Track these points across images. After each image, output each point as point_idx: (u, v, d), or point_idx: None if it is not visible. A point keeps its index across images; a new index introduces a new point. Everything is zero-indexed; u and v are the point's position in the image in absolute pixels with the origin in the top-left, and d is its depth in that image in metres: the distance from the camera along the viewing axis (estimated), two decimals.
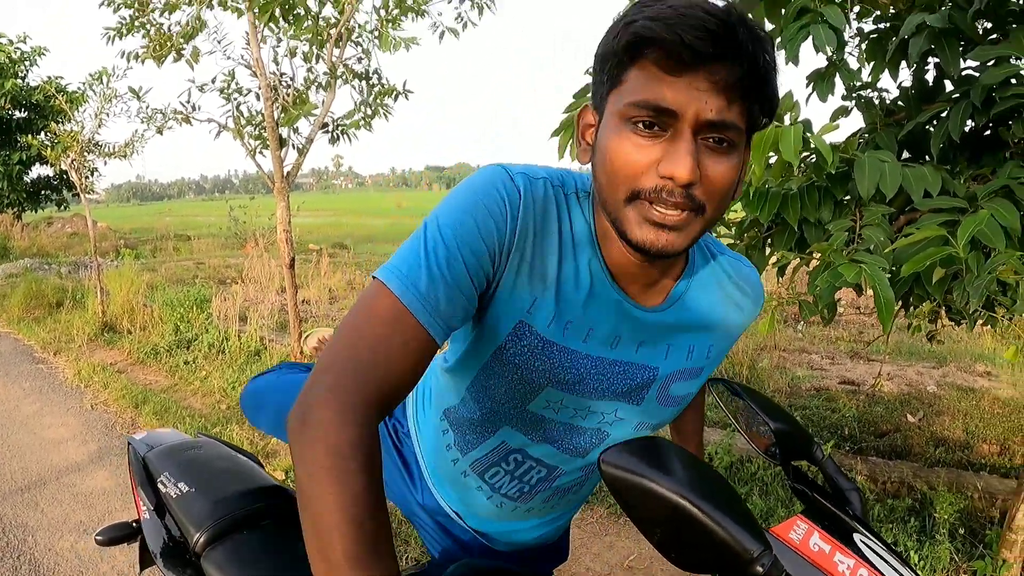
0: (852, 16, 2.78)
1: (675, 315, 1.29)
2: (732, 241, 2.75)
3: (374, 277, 1.10)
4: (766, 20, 2.78)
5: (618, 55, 1.03)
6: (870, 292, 1.98)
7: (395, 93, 6.35)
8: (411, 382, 1.07)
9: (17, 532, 4.46)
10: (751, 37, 0.99)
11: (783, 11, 2.61)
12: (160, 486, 2.24)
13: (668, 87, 0.99)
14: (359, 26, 6.21)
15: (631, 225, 1.07)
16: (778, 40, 2.68)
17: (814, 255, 2.33)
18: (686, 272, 1.29)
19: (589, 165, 1.16)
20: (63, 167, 11.33)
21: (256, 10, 5.74)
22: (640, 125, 1.02)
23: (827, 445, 4.49)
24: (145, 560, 2.30)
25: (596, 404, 1.32)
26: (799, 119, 2.42)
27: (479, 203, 1.11)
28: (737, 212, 2.64)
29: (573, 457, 1.41)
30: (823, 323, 2.57)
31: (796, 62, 2.48)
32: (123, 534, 2.48)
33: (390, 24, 6.01)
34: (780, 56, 2.55)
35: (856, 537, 1.28)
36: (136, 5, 6.51)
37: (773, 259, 2.77)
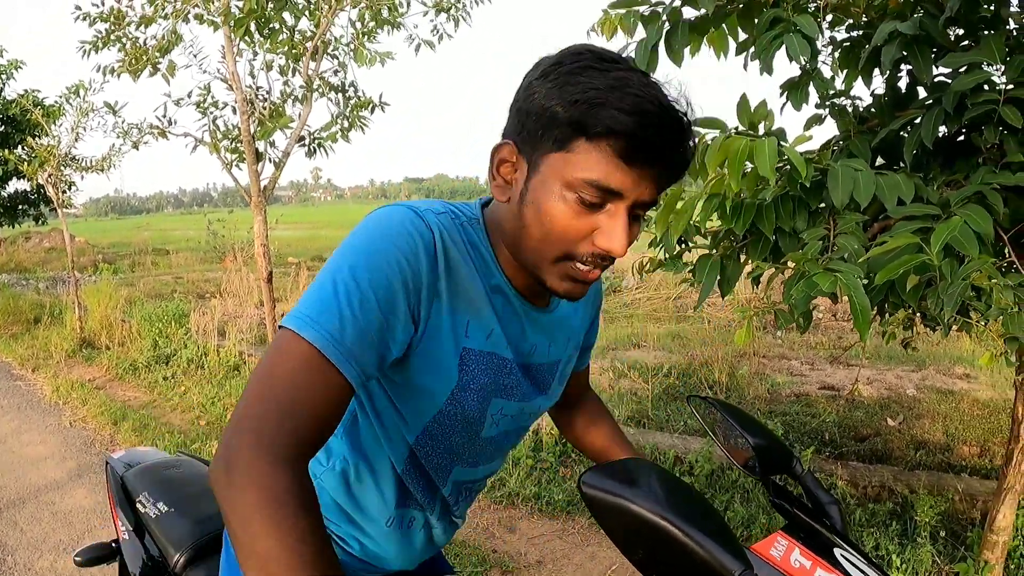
0: (824, 25, 2.80)
1: (561, 309, 1.42)
2: (707, 251, 2.76)
3: (282, 326, 1.09)
4: (739, 29, 2.79)
5: (574, 126, 1.07)
6: (846, 299, 2.00)
7: (371, 105, 6.33)
8: (330, 428, 1.07)
9: None
10: (689, 140, 1.11)
11: (756, 21, 2.63)
12: (139, 506, 2.23)
13: (622, 173, 1.07)
14: (335, 39, 6.20)
15: (553, 278, 1.18)
16: (751, 50, 2.70)
17: (789, 264, 2.34)
18: None
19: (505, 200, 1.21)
20: (40, 181, 11.25)
21: (232, 24, 5.72)
22: (585, 197, 1.09)
23: (808, 451, 4.52)
24: None
25: (527, 406, 1.42)
26: (773, 128, 2.43)
27: (391, 245, 1.13)
28: (712, 222, 2.65)
29: (496, 460, 1.54)
30: (799, 331, 2.59)
31: (770, 72, 2.50)
32: (102, 554, 2.46)
33: (366, 37, 6.00)
34: (755, 66, 2.57)
35: (837, 552, 1.29)
36: (112, 19, 6.48)
37: (747, 269, 2.78)
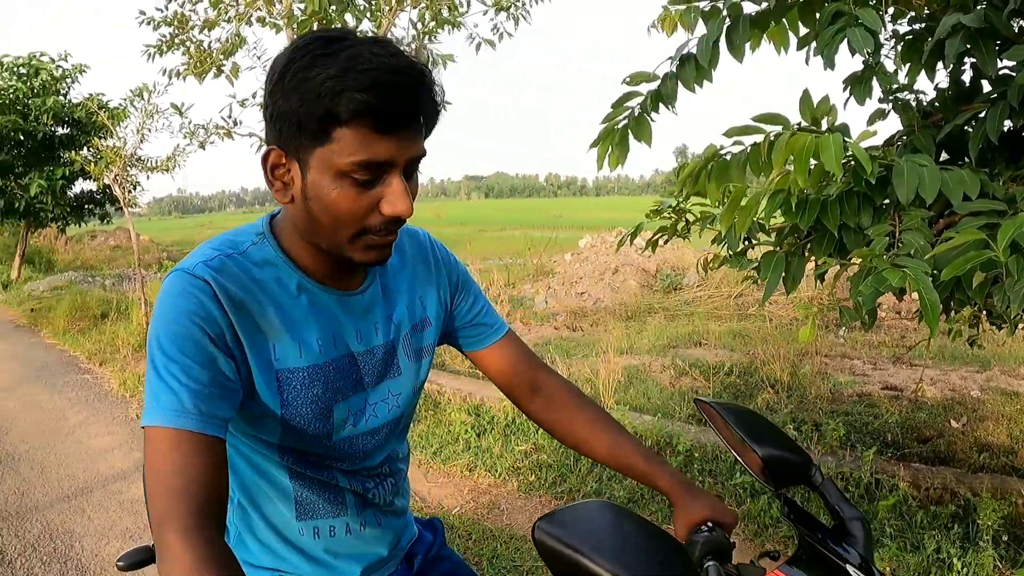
0: (887, 18, 2.78)
1: (380, 287, 1.47)
2: (771, 248, 2.74)
3: (143, 428, 1.17)
4: (800, 24, 2.78)
5: (324, 119, 1.13)
6: (911, 297, 1.98)
7: None
8: (224, 484, 1.17)
9: (64, 538, 4.55)
10: (432, 84, 1.18)
11: (817, 15, 2.61)
12: None
13: (382, 145, 1.14)
14: (396, 40, 6.26)
15: (357, 254, 1.26)
16: (813, 45, 2.69)
17: (853, 261, 2.32)
18: None
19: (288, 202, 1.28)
20: (107, 181, 11.48)
21: (295, 26, 5.80)
22: (358, 178, 1.16)
23: (870, 452, 4.46)
24: None
25: (376, 393, 1.46)
26: (836, 123, 2.41)
27: (179, 311, 1.20)
28: (776, 219, 2.63)
29: (391, 441, 1.57)
30: (864, 328, 2.56)
31: (832, 67, 2.48)
32: (144, 558, 2.53)
33: (427, 37, 6.05)
34: (816, 61, 2.55)
35: (852, 573, 1.23)
36: (176, 23, 6.61)
37: (810, 265, 2.76)
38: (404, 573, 1.66)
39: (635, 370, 7.15)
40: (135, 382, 8.21)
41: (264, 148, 1.26)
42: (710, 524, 1.37)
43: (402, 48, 1.18)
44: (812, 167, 2.18)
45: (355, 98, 1.09)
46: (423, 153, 1.21)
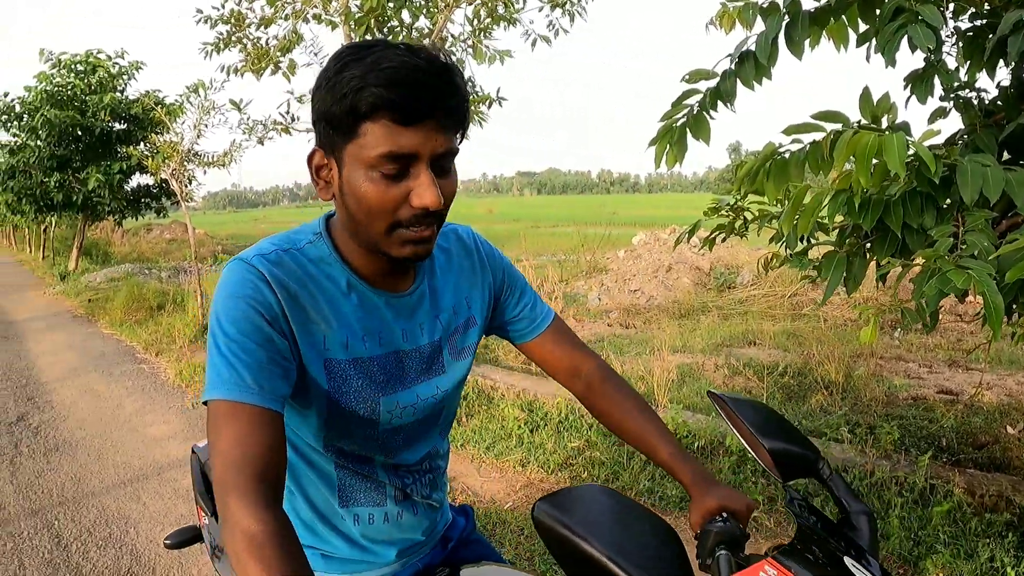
0: (948, 14, 2.74)
1: (428, 288, 1.51)
2: (831, 248, 2.71)
3: (204, 403, 1.24)
4: (860, 21, 2.75)
5: (351, 115, 1.20)
6: (972, 299, 1.95)
7: (489, 101, 6.40)
8: (283, 457, 1.22)
9: (120, 524, 4.65)
10: (455, 78, 1.23)
11: (878, 11, 2.59)
12: None
13: (406, 137, 1.19)
14: (452, 37, 6.28)
15: (393, 248, 1.29)
16: (873, 42, 2.65)
17: (915, 262, 2.29)
18: None
19: (332, 200, 1.34)
20: (164, 176, 11.66)
21: (352, 23, 5.85)
22: (386, 171, 1.21)
23: (924, 457, 4.39)
24: (213, 558, 2.40)
25: (421, 390, 1.51)
26: (896, 121, 2.39)
27: (237, 296, 1.27)
28: (841, 218, 2.61)
29: (433, 438, 1.63)
30: (925, 331, 2.52)
31: (893, 64, 2.45)
32: (189, 537, 2.61)
33: (482, 34, 6.07)
34: (876, 59, 2.53)
35: (848, 564, 1.23)
36: (233, 21, 6.70)
37: (871, 266, 2.73)
38: (438, 555, 1.74)
39: (688, 369, 7.12)
40: (191, 372, 8.35)
41: (310, 152, 1.33)
42: (724, 514, 1.39)
43: (435, 52, 1.23)
44: (874, 167, 2.16)
45: (375, 93, 1.15)
46: (453, 149, 1.26)
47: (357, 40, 6.25)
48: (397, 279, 1.44)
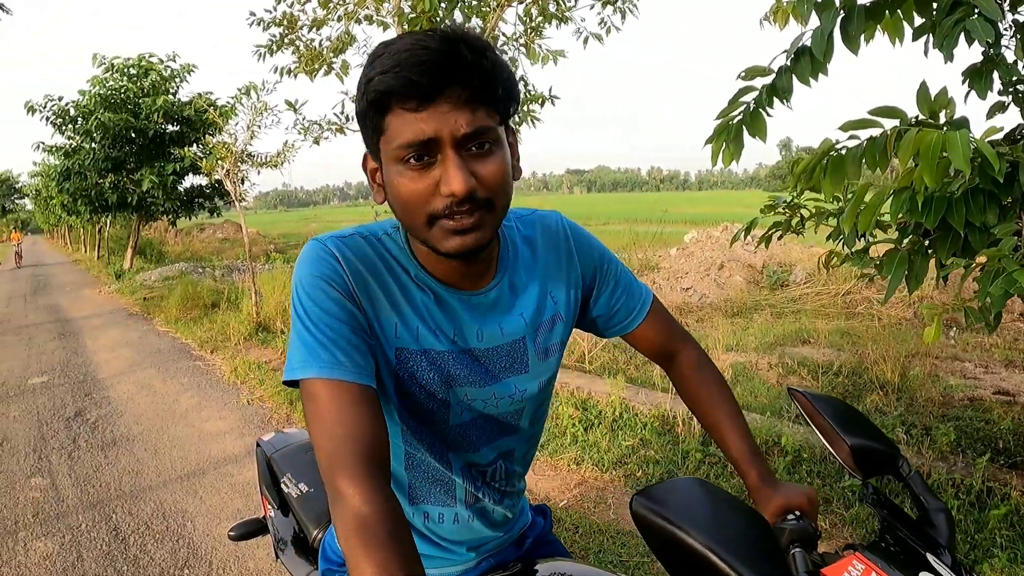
0: (1005, 6, 2.70)
1: (509, 285, 1.45)
2: (892, 246, 2.68)
3: (290, 383, 1.24)
4: (915, 15, 2.72)
5: (371, 110, 1.18)
6: None
7: (541, 99, 6.40)
8: (385, 433, 1.20)
9: (177, 517, 4.72)
10: (471, 51, 1.15)
11: (934, 5, 2.56)
12: (283, 486, 2.37)
13: (420, 122, 1.14)
14: (505, 36, 6.30)
15: (438, 242, 1.23)
16: (929, 36, 2.63)
17: (978, 260, 2.26)
18: (502, 245, 1.46)
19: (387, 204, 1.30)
20: (218, 176, 11.82)
21: (405, 24, 5.88)
22: (411, 161, 1.17)
23: (981, 459, 4.33)
24: (277, 551, 2.43)
25: (498, 388, 1.45)
26: (954, 117, 2.36)
27: (315, 273, 1.27)
28: (900, 216, 2.57)
29: (511, 440, 1.56)
30: (987, 331, 2.49)
31: (951, 59, 2.42)
32: (253, 529, 2.65)
33: (534, 33, 6.08)
34: (923, 52, 2.49)
35: (931, 561, 1.22)
36: (285, 23, 6.76)
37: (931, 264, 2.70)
38: (513, 554, 1.70)
39: (741, 368, 7.06)
40: (246, 369, 8.48)
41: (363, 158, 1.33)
42: (797, 512, 1.37)
43: (455, 31, 1.16)
44: (936, 164, 2.13)
45: (379, 79, 1.13)
46: (484, 127, 1.17)
47: None
48: (472, 277, 1.39)
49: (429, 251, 1.31)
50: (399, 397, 1.38)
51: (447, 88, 1.13)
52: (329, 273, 1.26)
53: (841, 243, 2.90)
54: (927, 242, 2.62)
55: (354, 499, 1.08)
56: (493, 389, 1.45)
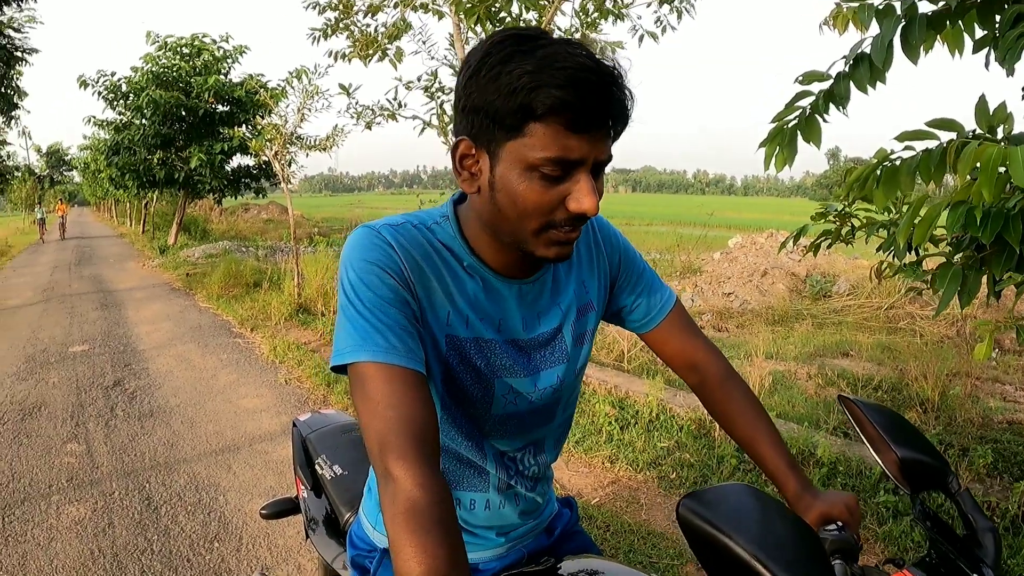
0: None
1: (551, 276, 1.48)
2: (945, 259, 2.64)
3: (339, 367, 1.23)
4: (976, 26, 2.68)
5: (519, 113, 1.14)
6: None
7: None
8: (435, 418, 1.20)
9: (209, 491, 4.78)
10: (624, 87, 1.17)
11: (997, 17, 2.52)
12: (317, 467, 2.38)
13: (575, 142, 1.14)
14: (560, 30, 6.28)
15: (539, 248, 1.26)
16: (989, 49, 2.58)
17: None
18: None
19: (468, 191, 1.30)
20: (266, 157, 11.92)
21: (462, 14, 5.89)
22: (547, 172, 1.17)
23: (1019, 484, 4.26)
24: (308, 531, 2.44)
25: (540, 379, 1.48)
26: (1012, 132, 2.33)
27: (368, 260, 1.27)
28: (940, 230, 2.54)
29: (545, 429, 1.57)
30: None
31: (1012, 72, 2.39)
32: (285, 508, 2.66)
33: (590, 28, 6.06)
34: (975, 63, 2.46)
35: None
36: (341, 7, 6.80)
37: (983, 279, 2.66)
38: (542, 543, 1.71)
39: (780, 376, 7.01)
40: (285, 349, 8.54)
41: (454, 139, 1.28)
42: (839, 523, 1.36)
43: (596, 53, 1.17)
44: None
45: (552, 94, 1.10)
46: (610, 157, 1.22)
47: (468, 29, 6.34)
48: (522, 265, 1.40)
49: (493, 243, 1.35)
50: (445, 384, 1.38)
51: (608, 117, 1.16)
52: (383, 259, 1.27)
53: (892, 255, 2.86)
54: (984, 257, 2.58)
55: (406, 481, 1.08)
56: (535, 379, 1.46)
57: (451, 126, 6.50)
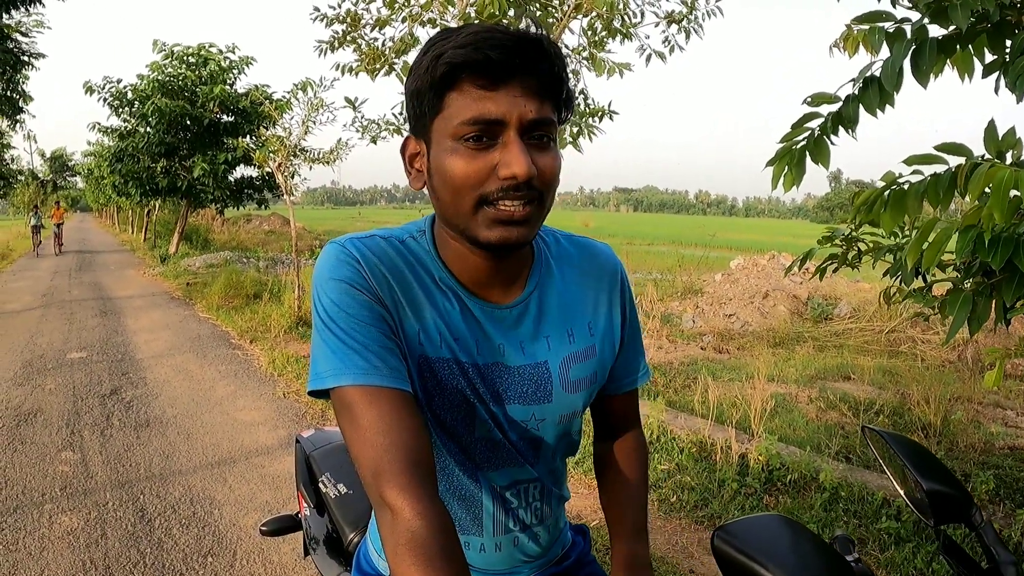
0: None
1: (537, 305, 1.39)
2: (954, 285, 2.62)
3: (318, 392, 1.20)
4: (987, 51, 2.67)
5: (435, 85, 1.14)
6: None
7: (601, 113, 6.37)
8: (427, 438, 1.16)
9: (204, 504, 4.73)
10: (545, 50, 1.14)
11: (1008, 43, 2.51)
12: (321, 486, 2.35)
13: (490, 101, 1.12)
14: (568, 48, 6.27)
15: (480, 229, 1.19)
16: (999, 74, 2.57)
17: None
18: (535, 263, 1.41)
19: (425, 191, 1.27)
20: (269, 168, 11.94)
21: None
22: (471, 140, 1.14)
23: (1022, 511, 4.24)
24: (308, 549, 2.41)
25: (513, 412, 1.37)
26: (1022, 157, 2.31)
27: (336, 277, 1.22)
28: (948, 254, 2.52)
29: (536, 467, 1.46)
30: None
31: (1021, 99, 2.38)
32: (286, 526, 2.64)
33: (597, 47, 6.05)
34: (984, 87, 2.44)
35: None
36: (348, 20, 6.79)
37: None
38: (553, 572, 1.61)
39: (781, 399, 6.98)
40: (284, 362, 8.52)
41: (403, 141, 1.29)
42: (856, 555, 1.33)
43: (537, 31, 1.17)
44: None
45: (454, 53, 1.11)
46: (547, 119, 1.16)
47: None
48: (501, 288, 1.34)
49: (459, 253, 1.30)
50: (426, 403, 1.32)
51: (521, 73, 1.13)
52: (352, 276, 1.23)
53: (899, 280, 2.84)
54: (993, 284, 2.56)
55: (405, 511, 1.05)
56: (511, 411, 1.37)
57: None
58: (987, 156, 2.29)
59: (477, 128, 1.13)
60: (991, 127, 2.32)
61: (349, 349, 1.17)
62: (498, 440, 1.38)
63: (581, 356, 1.43)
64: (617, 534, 1.54)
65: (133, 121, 21.38)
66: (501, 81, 1.12)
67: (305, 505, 2.47)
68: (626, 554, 1.47)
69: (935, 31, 2.55)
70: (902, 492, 1.43)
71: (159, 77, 20.15)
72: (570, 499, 1.66)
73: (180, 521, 4.46)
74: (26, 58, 17.97)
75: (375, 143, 7.44)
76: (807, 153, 2.76)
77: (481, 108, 1.12)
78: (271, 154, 11.35)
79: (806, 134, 2.77)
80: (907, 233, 3.15)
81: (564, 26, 5.90)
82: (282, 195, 12.30)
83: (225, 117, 21.39)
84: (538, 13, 5.94)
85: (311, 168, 12.48)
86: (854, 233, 3.25)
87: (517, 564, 1.52)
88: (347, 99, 7.44)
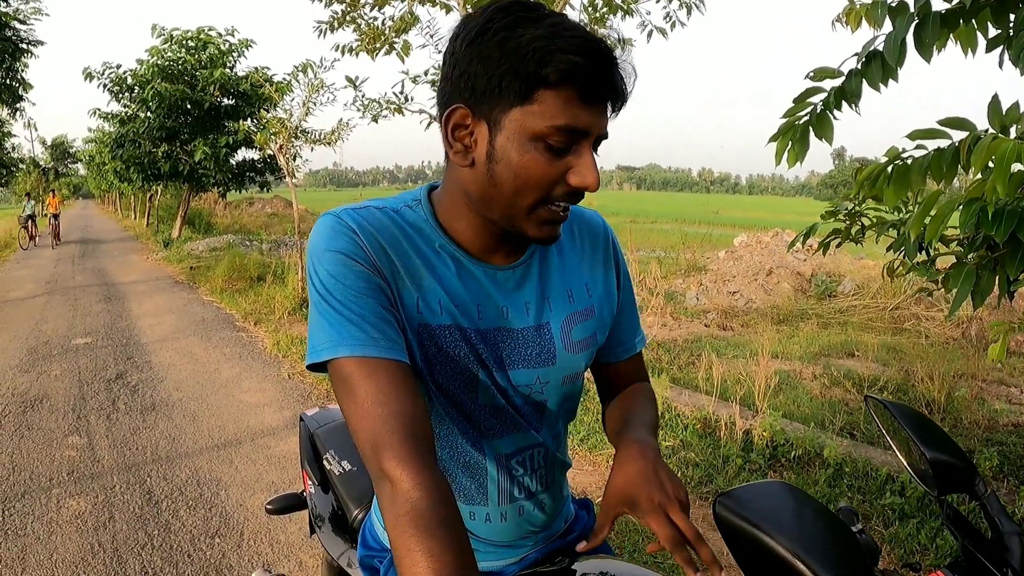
0: None
1: (537, 266, 1.39)
2: (958, 258, 2.61)
3: (316, 365, 1.18)
4: (990, 25, 2.65)
5: (530, 76, 1.10)
6: None
7: None
8: (427, 412, 1.15)
9: (211, 485, 4.76)
10: (633, 74, 1.18)
11: (1012, 16, 2.49)
12: (325, 463, 2.36)
13: (584, 112, 1.12)
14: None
15: (531, 226, 1.22)
16: (1003, 48, 2.56)
17: None
18: None
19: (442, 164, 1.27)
20: (270, 151, 11.92)
21: (469, 7, 5.86)
22: (552, 144, 1.13)
23: None
24: (314, 527, 2.42)
25: (516, 376, 1.37)
26: None
27: (333, 248, 1.20)
28: (953, 228, 2.51)
29: (540, 432, 1.45)
30: None
31: None
32: (291, 504, 2.64)
33: (599, 24, 6.03)
34: (988, 62, 2.43)
35: None
36: (348, 0, 6.77)
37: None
38: (559, 545, 1.62)
39: (785, 376, 6.99)
40: (288, 344, 8.53)
41: (450, 107, 1.20)
42: (861, 527, 1.33)
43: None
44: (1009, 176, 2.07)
45: (569, 59, 1.07)
46: (607, 135, 1.20)
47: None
48: (504, 252, 1.34)
49: (471, 223, 1.29)
50: (428, 372, 1.30)
51: (614, 96, 1.15)
52: (348, 246, 1.20)
53: (902, 254, 2.83)
54: (995, 257, 2.55)
55: (404, 482, 1.04)
56: (514, 375, 1.37)
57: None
58: (991, 130, 2.28)
59: (564, 135, 1.13)
60: (995, 101, 2.32)
61: (346, 321, 1.16)
62: (502, 406, 1.37)
63: (581, 316, 1.44)
64: (624, 432, 1.47)
65: (133, 106, 21.31)
66: (597, 98, 1.13)
67: (310, 483, 2.47)
68: (634, 440, 1.41)
69: (938, 4, 2.54)
70: (905, 463, 1.43)
71: (159, 62, 20.05)
72: (571, 467, 1.64)
73: (187, 503, 4.49)
74: (25, 46, 17.88)
75: (376, 122, 7.44)
76: (810, 128, 2.74)
77: (575, 117, 1.11)
78: (272, 136, 11.31)
79: (808, 109, 2.76)
80: (911, 208, 3.14)
81: (566, 1, 5.87)
82: (284, 177, 12.29)
83: (226, 100, 21.30)
84: None
85: (312, 150, 12.48)
86: (858, 208, 3.24)
87: (524, 535, 1.52)
88: (348, 78, 7.43)
